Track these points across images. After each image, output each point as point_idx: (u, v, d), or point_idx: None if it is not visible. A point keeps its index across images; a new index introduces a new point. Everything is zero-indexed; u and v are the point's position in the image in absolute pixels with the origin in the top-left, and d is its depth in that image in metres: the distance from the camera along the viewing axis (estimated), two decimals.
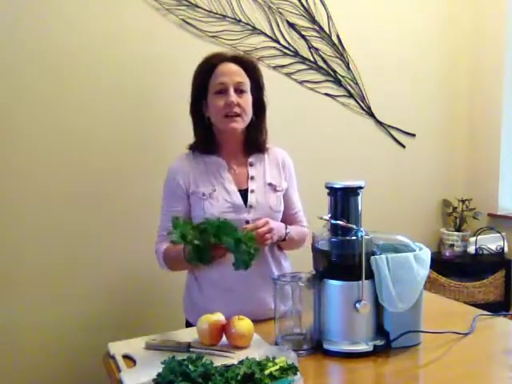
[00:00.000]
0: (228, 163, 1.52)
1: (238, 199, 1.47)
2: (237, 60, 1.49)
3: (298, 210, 1.62)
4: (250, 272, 1.45)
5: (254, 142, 1.54)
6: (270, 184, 1.52)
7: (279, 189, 1.54)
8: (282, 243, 1.54)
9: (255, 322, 1.29)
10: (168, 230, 1.31)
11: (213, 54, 1.51)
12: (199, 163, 1.52)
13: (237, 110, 1.45)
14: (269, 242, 1.42)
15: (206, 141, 1.52)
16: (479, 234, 2.90)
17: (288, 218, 1.58)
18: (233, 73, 1.46)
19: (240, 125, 1.47)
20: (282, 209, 1.54)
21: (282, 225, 1.51)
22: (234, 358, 1.13)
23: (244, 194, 1.49)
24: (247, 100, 1.48)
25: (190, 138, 1.57)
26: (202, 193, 1.47)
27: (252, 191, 1.49)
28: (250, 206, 1.47)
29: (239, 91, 1.46)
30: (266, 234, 1.39)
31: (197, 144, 1.54)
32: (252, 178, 1.52)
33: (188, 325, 1.57)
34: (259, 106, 1.54)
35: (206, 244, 1.24)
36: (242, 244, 1.21)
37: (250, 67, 1.51)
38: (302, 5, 2.48)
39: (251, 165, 1.54)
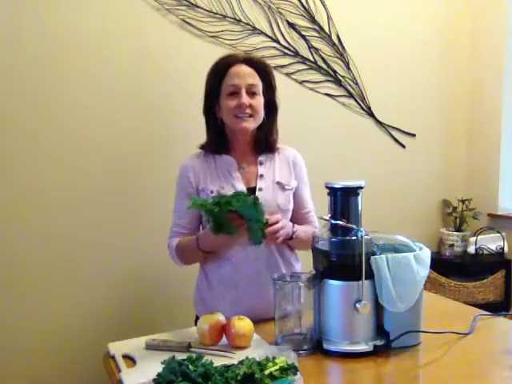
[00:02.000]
0: (238, 162, 1.53)
1: None
2: (249, 62, 1.51)
3: (309, 210, 1.62)
4: (259, 270, 1.47)
5: (264, 142, 1.55)
6: (278, 182, 1.53)
7: (288, 187, 1.54)
8: (290, 242, 1.53)
9: (261, 320, 1.30)
10: (189, 228, 1.44)
11: (226, 55, 1.53)
12: (209, 161, 1.54)
13: (248, 111, 1.47)
14: (280, 240, 1.41)
15: (218, 140, 1.54)
16: (479, 234, 2.90)
17: (299, 218, 1.59)
18: (245, 75, 1.48)
19: (251, 125, 1.49)
20: (291, 207, 1.55)
21: (290, 224, 1.51)
22: (234, 358, 1.13)
23: (252, 192, 1.49)
24: (259, 101, 1.49)
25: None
26: (211, 190, 1.49)
27: (260, 189, 1.50)
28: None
29: (251, 93, 1.48)
30: (279, 231, 1.38)
31: (208, 144, 1.56)
32: (261, 176, 1.53)
33: (197, 321, 1.57)
34: (271, 107, 1.56)
35: (224, 212, 1.27)
36: (253, 210, 1.27)
37: (262, 69, 1.52)
38: (302, 5, 2.48)
39: (261, 163, 1.55)
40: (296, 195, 1.58)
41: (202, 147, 1.57)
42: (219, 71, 1.50)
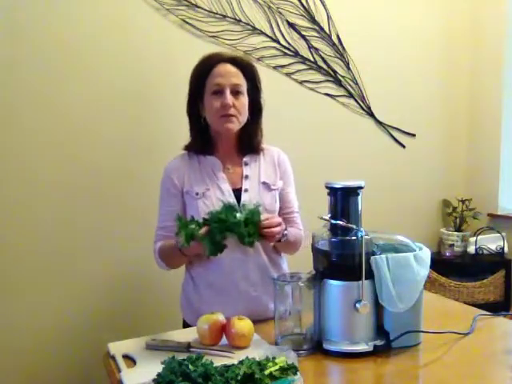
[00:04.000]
0: (223, 163, 1.52)
1: (232, 198, 1.46)
2: (234, 61, 1.48)
3: (293, 210, 1.59)
4: (247, 272, 1.46)
5: (248, 142, 1.54)
6: (263, 183, 1.51)
7: (274, 187, 1.53)
8: (278, 244, 1.50)
9: (253, 322, 1.30)
10: (174, 231, 1.32)
11: (210, 54, 1.51)
12: (194, 163, 1.53)
13: (232, 111, 1.45)
14: (275, 239, 1.38)
15: (202, 141, 1.53)
16: (479, 234, 2.90)
17: (285, 218, 1.55)
18: (229, 74, 1.46)
19: (235, 125, 1.47)
20: (277, 208, 1.53)
21: (283, 226, 1.48)
22: (234, 358, 1.12)
23: (238, 193, 1.48)
24: (243, 102, 1.48)
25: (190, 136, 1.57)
26: (196, 192, 1.47)
27: (246, 190, 1.49)
28: (244, 206, 1.46)
29: (235, 92, 1.46)
30: (277, 235, 1.36)
31: (192, 144, 1.55)
32: (246, 177, 1.51)
33: (185, 324, 1.57)
34: (255, 108, 1.54)
35: (216, 240, 1.26)
36: (242, 231, 1.25)
37: (247, 69, 1.50)
38: (302, 5, 2.48)
39: (246, 164, 1.54)
40: (281, 196, 1.56)
41: (186, 148, 1.56)
42: (203, 70, 1.48)
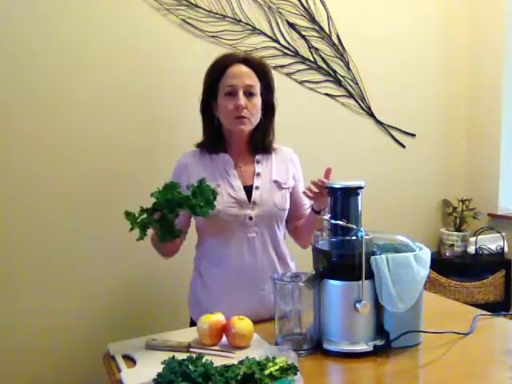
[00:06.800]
0: (235, 161, 1.53)
1: (243, 195, 1.48)
2: (248, 62, 1.50)
3: (309, 207, 1.60)
4: (255, 270, 1.47)
5: (260, 142, 1.55)
6: (275, 181, 1.53)
7: (285, 186, 1.54)
8: (312, 220, 1.49)
9: (258, 321, 1.30)
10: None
11: (224, 54, 1.53)
12: (205, 160, 1.54)
13: (245, 112, 1.46)
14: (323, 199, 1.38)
15: (215, 140, 1.54)
16: (479, 234, 2.90)
17: (300, 215, 1.59)
18: (243, 75, 1.47)
19: (248, 127, 1.49)
20: (287, 207, 1.55)
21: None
22: (234, 358, 1.12)
23: (249, 190, 1.50)
24: (256, 103, 1.49)
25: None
26: None
27: (257, 188, 1.50)
28: (254, 203, 1.48)
29: (248, 94, 1.47)
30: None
31: (205, 143, 1.56)
32: (258, 174, 1.53)
33: (192, 323, 1.57)
34: (268, 107, 1.55)
35: (169, 221, 1.22)
36: (193, 203, 1.21)
37: (260, 69, 1.51)
38: (302, 5, 2.48)
39: (258, 162, 1.55)
40: (295, 194, 1.58)
41: (199, 146, 1.57)
42: (217, 70, 1.50)
